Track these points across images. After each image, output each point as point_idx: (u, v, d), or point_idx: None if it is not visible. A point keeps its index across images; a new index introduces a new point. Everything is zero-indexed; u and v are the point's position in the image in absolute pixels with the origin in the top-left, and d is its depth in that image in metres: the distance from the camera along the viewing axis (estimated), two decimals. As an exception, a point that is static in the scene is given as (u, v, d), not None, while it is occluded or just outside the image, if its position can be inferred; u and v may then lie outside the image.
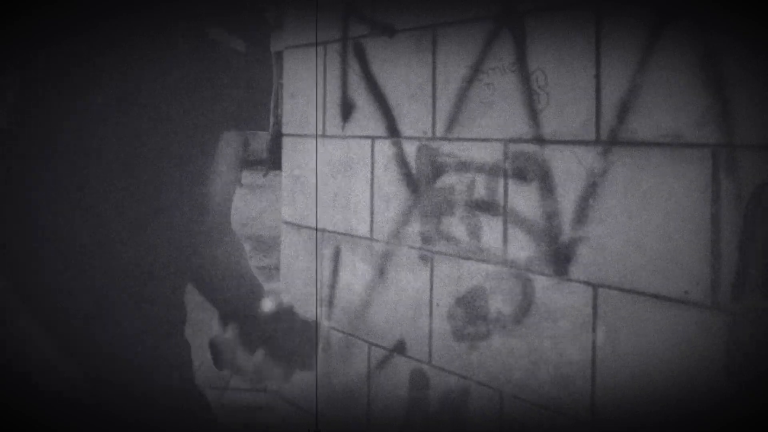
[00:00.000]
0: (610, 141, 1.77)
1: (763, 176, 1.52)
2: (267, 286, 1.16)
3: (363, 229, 2.48)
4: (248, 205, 11.35)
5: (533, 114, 1.93)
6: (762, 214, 1.50)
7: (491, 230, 2.05)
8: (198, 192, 1.26)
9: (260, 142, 18.43)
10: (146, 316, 1.20)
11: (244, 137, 1.35)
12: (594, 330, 1.81)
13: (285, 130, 2.85)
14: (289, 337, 1.10)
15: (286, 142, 2.84)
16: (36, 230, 1.21)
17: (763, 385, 1.52)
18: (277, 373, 1.12)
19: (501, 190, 2.02)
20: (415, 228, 2.29)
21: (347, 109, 2.53)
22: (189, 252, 1.26)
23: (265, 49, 1.34)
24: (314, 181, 2.67)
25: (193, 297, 1.33)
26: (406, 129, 2.32)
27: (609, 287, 1.78)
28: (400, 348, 2.35)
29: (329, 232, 2.62)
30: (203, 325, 1.30)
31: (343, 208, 2.54)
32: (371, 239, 2.45)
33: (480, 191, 2.08)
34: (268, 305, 1.13)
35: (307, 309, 2.75)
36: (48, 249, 1.19)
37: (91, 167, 1.20)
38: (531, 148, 1.94)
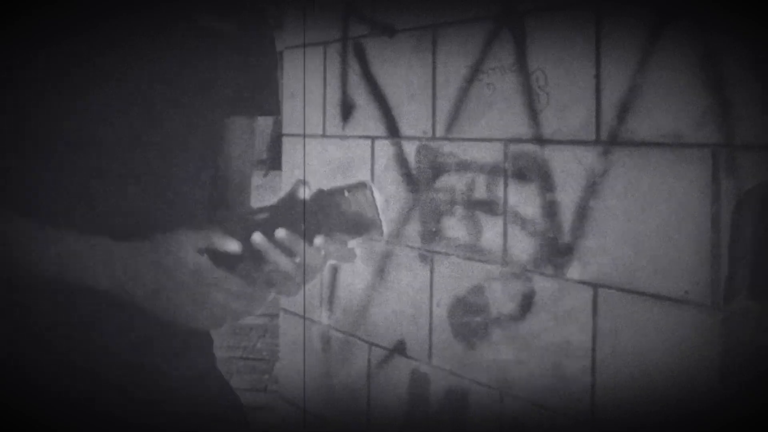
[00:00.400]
0: (610, 141, 1.77)
1: (762, 176, 1.52)
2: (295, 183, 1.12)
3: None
4: (248, 205, 11.31)
5: (533, 114, 1.93)
6: (756, 215, 1.50)
7: (491, 230, 2.05)
8: (198, 193, 1.26)
9: (260, 141, 18.43)
10: (148, 318, 1.20)
11: (252, 120, 1.34)
12: (594, 330, 1.81)
13: (285, 130, 2.85)
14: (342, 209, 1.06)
15: (286, 142, 2.84)
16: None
17: (763, 386, 1.52)
18: (337, 248, 1.08)
19: (501, 190, 2.02)
20: (415, 228, 2.29)
21: (347, 109, 2.53)
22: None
23: (269, 43, 1.34)
24: (314, 181, 2.66)
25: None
26: (406, 129, 2.32)
27: (609, 287, 1.78)
28: (400, 348, 2.35)
29: (329, 232, 2.61)
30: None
31: (343, 208, 2.54)
32: (371, 239, 2.45)
33: (480, 191, 2.08)
34: (302, 192, 1.10)
35: (307, 308, 2.75)
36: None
37: (92, 167, 1.20)
38: (531, 148, 1.94)
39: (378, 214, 1.05)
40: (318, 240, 1.07)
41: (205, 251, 1.08)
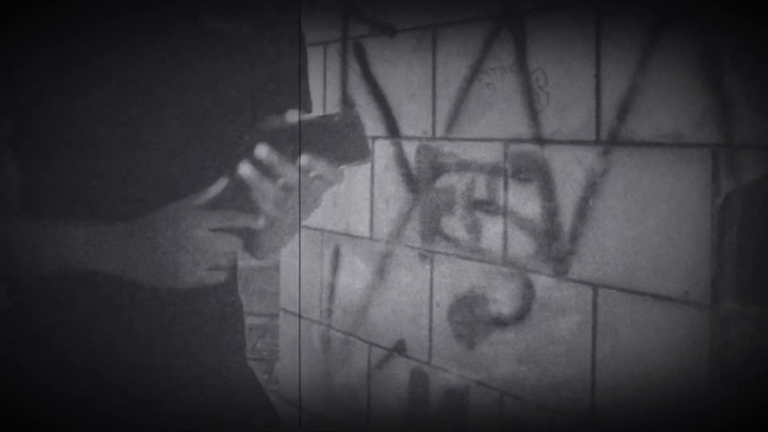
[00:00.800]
0: (610, 141, 1.77)
1: (756, 176, 1.52)
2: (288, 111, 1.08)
3: (363, 229, 2.48)
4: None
5: (533, 114, 1.93)
6: (734, 217, 1.49)
7: (491, 230, 2.05)
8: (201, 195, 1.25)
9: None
10: (151, 321, 1.20)
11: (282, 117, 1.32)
12: (594, 330, 1.81)
13: (285, 130, 2.85)
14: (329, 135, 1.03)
15: (286, 142, 2.84)
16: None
17: (763, 385, 1.52)
18: (328, 168, 1.04)
19: (501, 190, 2.02)
20: (415, 228, 2.29)
21: (347, 109, 2.53)
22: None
23: (285, 43, 1.33)
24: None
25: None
26: (406, 129, 2.32)
27: (609, 287, 1.78)
28: (400, 348, 2.35)
29: (329, 231, 2.62)
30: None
31: (343, 208, 2.54)
32: (371, 239, 2.45)
33: (480, 191, 2.08)
34: (293, 115, 1.06)
35: (306, 308, 2.75)
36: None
37: (92, 168, 1.20)
38: (531, 148, 1.94)
39: (366, 140, 1.03)
40: (304, 159, 1.04)
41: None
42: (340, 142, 1.03)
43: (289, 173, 1.04)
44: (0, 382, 1.18)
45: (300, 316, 2.77)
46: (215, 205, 1.08)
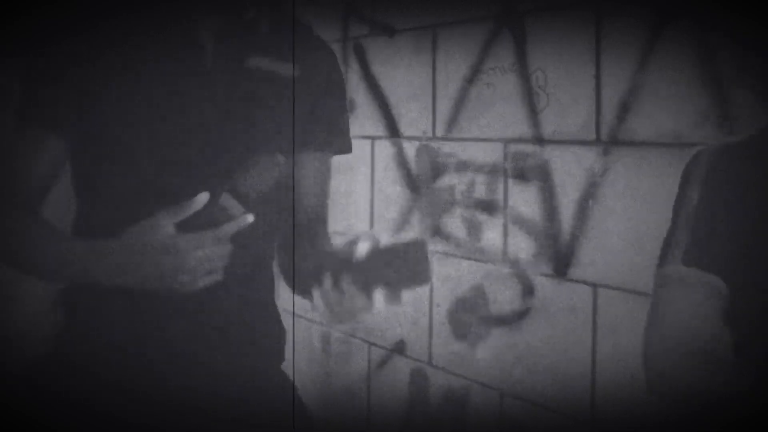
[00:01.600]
0: (610, 141, 1.77)
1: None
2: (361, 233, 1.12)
3: (363, 229, 2.48)
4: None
5: (533, 114, 1.93)
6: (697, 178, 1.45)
7: (491, 230, 2.05)
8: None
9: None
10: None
11: (328, 157, 1.34)
12: (594, 330, 1.81)
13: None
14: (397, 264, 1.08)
15: (286, 142, 2.84)
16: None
17: (763, 386, 1.52)
18: (390, 298, 1.08)
19: (501, 190, 2.02)
20: (415, 228, 2.29)
21: (347, 109, 2.53)
22: None
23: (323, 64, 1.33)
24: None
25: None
26: (406, 129, 2.32)
27: (609, 287, 1.78)
28: (400, 348, 2.35)
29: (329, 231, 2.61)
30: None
31: (343, 208, 2.54)
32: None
33: (480, 191, 2.08)
34: (361, 248, 1.10)
35: (307, 308, 2.75)
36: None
37: (94, 169, 1.20)
38: (531, 148, 1.94)
39: (428, 268, 1.08)
40: (379, 295, 1.08)
41: (178, 224, 1.09)
42: (404, 267, 1.08)
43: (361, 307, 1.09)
44: (2, 381, 1.18)
45: (294, 314, 2.77)
46: (198, 217, 1.10)
